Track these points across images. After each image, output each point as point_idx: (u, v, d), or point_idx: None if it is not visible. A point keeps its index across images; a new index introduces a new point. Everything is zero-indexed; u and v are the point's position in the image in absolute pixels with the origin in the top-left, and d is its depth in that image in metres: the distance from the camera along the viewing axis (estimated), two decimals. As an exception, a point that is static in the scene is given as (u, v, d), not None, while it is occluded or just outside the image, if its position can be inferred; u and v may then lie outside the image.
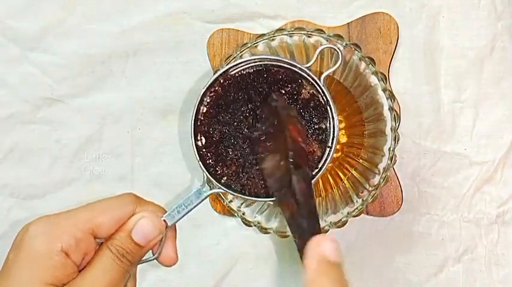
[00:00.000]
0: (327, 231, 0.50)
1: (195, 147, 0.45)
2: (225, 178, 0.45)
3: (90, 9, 0.58)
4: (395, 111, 0.49)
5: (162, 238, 0.41)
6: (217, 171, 0.45)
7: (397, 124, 0.49)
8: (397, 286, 0.56)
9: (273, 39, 0.50)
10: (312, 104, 0.45)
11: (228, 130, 0.45)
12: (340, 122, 0.54)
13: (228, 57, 0.50)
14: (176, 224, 0.42)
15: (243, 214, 0.51)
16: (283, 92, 0.45)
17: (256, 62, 0.45)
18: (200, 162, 0.44)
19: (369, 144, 0.52)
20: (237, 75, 0.45)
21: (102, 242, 0.39)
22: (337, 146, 0.54)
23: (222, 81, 0.45)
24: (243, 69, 0.45)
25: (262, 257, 0.57)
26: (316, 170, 0.44)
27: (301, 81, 0.45)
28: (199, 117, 0.45)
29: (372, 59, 0.49)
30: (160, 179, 0.58)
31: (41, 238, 0.37)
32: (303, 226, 0.37)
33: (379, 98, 0.49)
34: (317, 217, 0.38)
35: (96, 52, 0.58)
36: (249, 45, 0.50)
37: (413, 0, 0.55)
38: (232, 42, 0.55)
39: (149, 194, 0.57)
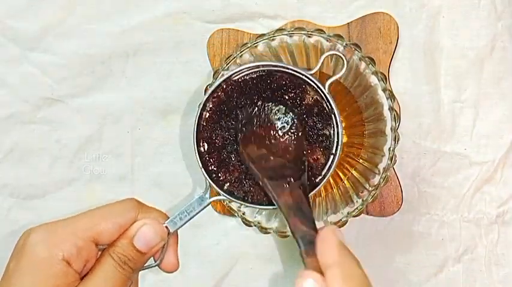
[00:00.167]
0: (327, 231, 0.50)
1: (197, 153, 0.44)
2: (228, 184, 0.44)
3: (90, 9, 0.58)
4: (396, 111, 0.49)
5: (164, 245, 0.40)
6: (220, 177, 0.44)
7: (397, 124, 0.49)
8: (397, 286, 0.56)
9: (273, 39, 0.50)
10: (316, 111, 0.44)
11: (230, 136, 0.45)
12: (340, 122, 0.54)
13: (228, 57, 0.50)
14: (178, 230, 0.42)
15: (243, 214, 0.51)
16: (287, 97, 0.44)
17: (259, 67, 0.44)
18: (203, 169, 0.44)
19: (369, 144, 0.52)
20: (240, 80, 0.44)
21: (104, 249, 0.39)
22: (337, 146, 0.54)
23: (224, 86, 0.44)
24: (246, 75, 0.44)
25: (262, 257, 0.57)
26: (320, 177, 0.44)
27: (305, 87, 0.44)
28: (202, 122, 0.44)
29: (372, 59, 0.49)
30: (160, 179, 0.58)
31: (42, 246, 0.36)
32: (307, 215, 0.38)
33: (379, 98, 0.49)
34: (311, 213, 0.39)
35: (96, 52, 0.58)
36: (249, 45, 0.50)
37: (413, 0, 0.55)
38: (232, 42, 0.55)
39: (149, 194, 0.58)
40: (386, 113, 0.49)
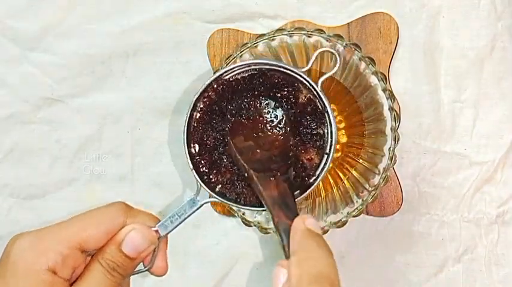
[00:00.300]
0: (327, 231, 0.50)
1: (188, 154, 0.43)
2: (220, 186, 0.43)
3: (90, 9, 0.58)
4: (395, 111, 0.49)
5: (154, 249, 0.40)
6: (211, 179, 0.43)
7: (397, 124, 0.49)
8: (397, 286, 0.56)
9: (273, 39, 0.50)
10: (309, 109, 0.43)
11: (222, 136, 0.44)
12: (340, 122, 0.54)
13: (228, 57, 0.50)
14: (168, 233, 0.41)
15: (243, 214, 0.51)
16: (279, 96, 0.44)
17: (250, 66, 0.43)
18: (194, 170, 0.43)
19: (369, 144, 0.52)
20: (231, 79, 0.44)
21: (93, 255, 0.38)
22: (337, 146, 0.54)
23: (215, 86, 0.44)
24: (237, 74, 0.44)
25: (262, 257, 0.57)
26: (314, 177, 0.43)
27: (298, 85, 0.43)
28: (193, 123, 0.44)
29: (372, 59, 0.49)
30: (160, 179, 0.58)
31: (26, 256, 0.36)
32: (290, 206, 0.39)
33: (379, 98, 0.49)
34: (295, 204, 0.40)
35: (96, 52, 0.58)
36: (249, 45, 0.50)
37: (413, 0, 0.55)
38: (232, 42, 0.55)
39: (149, 194, 0.58)
40: (386, 113, 0.49)
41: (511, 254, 0.55)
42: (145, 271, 0.40)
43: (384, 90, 0.49)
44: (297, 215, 0.38)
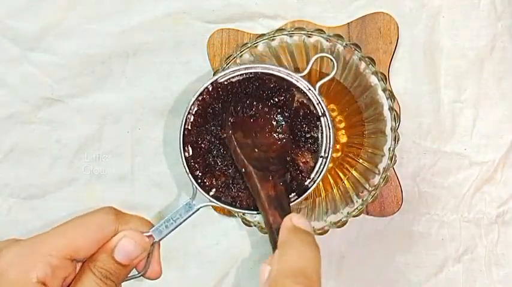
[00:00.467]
0: (326, 231, 0.50)
1: (183, 158, 0.43)
2: (214, 189, 0.43)
3: (90, 9, 0.58)
4: (396, 111, 0.49)
5: (148, 254, 0.39)
6: (206, 183, 0.43)
7: (397, 124, 0.49)
8: (397, 286, 0.56)
9: (273, 39, 0.50)
10: (306, 113, 0.43)
11: (216, 140, 0.43)
12: (340, 122, 0.54)
13: (228, 57, 0.50)
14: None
15: (243, 214, 0.51)
16: (276, 100, 0.43)
17: (246, 70, 0.43)
18: (190, 174, 0.42)
19: (369, 144, 0.52)
20: (226, 83, 0.43)
21: (84, 263, 0.37)
22: (337, 146, 0.54)
23: (210, 89, 0.43)
24: (233, 77, 0.43)
25: (262, 257, 0.57)
26: (309, 180, 0.43)
27: (295, 89, 0.43)
28: (187, 126, 0.43)
29: (372, 59, 0.49)
30: (160, 179, 0.58)
31: (14, 270, 0.34)
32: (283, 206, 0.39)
33: (379, 98, 0.49)
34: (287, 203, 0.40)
35: (96, 52, 0.58)
36: (249, 45, 0.50)
37: (414, 0, 0.55)
38: (232, 42, 0.55)
39: (149, 194, 0.58)
40: (386, 113, 0.49)
41: (511, 254, 0.55)
42: (139, 276, 0.40)
43: (384, 90, 0.49)
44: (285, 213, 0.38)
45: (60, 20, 0.58)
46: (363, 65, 0.49)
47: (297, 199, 0.43)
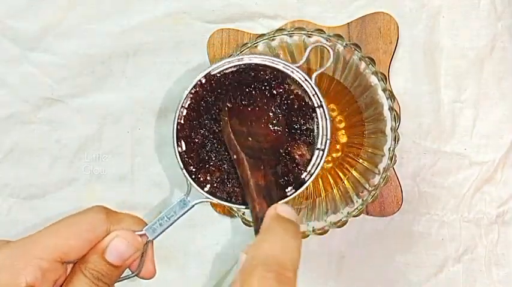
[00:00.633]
0: (326, 231, 0.50)
1: (177, 154, 0.42)
2: (209, 185, 0.42)
3: (90, 9, 0.58)
4: (396, 111, 0.49)
5: (142, 254, 0.38)
6: (200, 178, 0.42)
7: (397, 124, 0.49)
8: (397, 286, 0.56)
9: (273, 39, 0.50)
10: (302, 105, 0.42)
11: (210, 134, 0.42)
12: (340, 122, 0.54)
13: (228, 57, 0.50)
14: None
15: (243, 214, 0.51)
16: (272, 91, 0.43)
17: (239, 61, 0.42)
18: (184, 170, 0.41)
19: (369, 144, 0.52)
20: (219, 75, 0.42)
21: (75, 264, 0.36)
22: (337, 146, 0.54)
23: (203, 82, 0.42)
24: (226, 69, 0.42)
25: (262, 257, 0.57)
26: (306, 173, 0.42)
27: (291, 80, 0.42)
28: (180, 120, 0.42)
29: (372, 59, 0.49)
30: (160, 179, 0.58)
31: (4, 272, 0.34)
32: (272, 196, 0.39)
33: (379, 98, 0.49)
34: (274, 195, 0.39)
35: (96, 52, 0.58)
36: (249, 45, 0.50)
37: (414, 0, 0.55)
38: (232, 42, 0.55)
39: (149, 194, 0.58)
40: (386, 113, 0.49)
41: (511, 254, 0.55)
42: (133, 276, 0.39)
43: (384, 90, 0.49)
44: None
45: (60, 20, 0.58)
46: (363, 65, 0.49)
47: (294, 192, 0.42)
